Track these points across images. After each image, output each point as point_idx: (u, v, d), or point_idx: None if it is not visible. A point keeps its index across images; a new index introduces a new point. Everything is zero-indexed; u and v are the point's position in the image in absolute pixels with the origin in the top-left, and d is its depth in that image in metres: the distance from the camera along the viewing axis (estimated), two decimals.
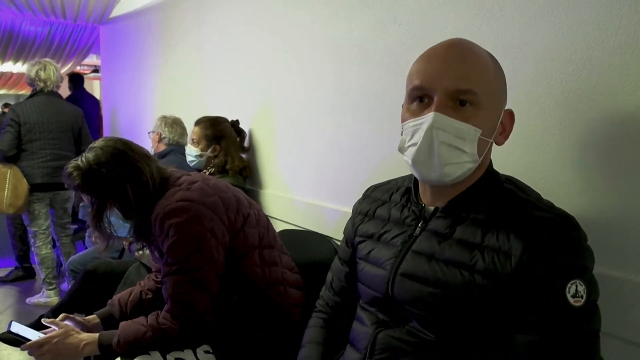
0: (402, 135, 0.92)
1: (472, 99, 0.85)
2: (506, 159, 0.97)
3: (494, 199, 0.89)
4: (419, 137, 0.86)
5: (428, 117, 0.85)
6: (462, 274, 0.85)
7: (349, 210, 1.72)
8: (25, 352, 1.39)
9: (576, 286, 0.78)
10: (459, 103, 0.86)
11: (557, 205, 0.89)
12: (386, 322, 0.96)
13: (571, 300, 0.78)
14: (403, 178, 1.08)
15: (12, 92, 9.10)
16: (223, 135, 2.34)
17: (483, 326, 0.84)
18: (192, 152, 2.34)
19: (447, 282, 0.86)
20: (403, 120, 0.92)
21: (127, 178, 1.37)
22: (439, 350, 0.87)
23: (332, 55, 1.80)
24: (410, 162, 0.89)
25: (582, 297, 0.78)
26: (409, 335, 0.90)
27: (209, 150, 2.32)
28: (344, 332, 1.08)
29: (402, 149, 0.91)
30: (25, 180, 3.16)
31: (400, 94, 1.50)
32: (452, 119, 0.84)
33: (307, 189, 1.99)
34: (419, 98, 0.89)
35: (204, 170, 2.34)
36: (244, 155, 2.40)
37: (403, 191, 1.04)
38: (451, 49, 0.89)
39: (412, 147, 0.87)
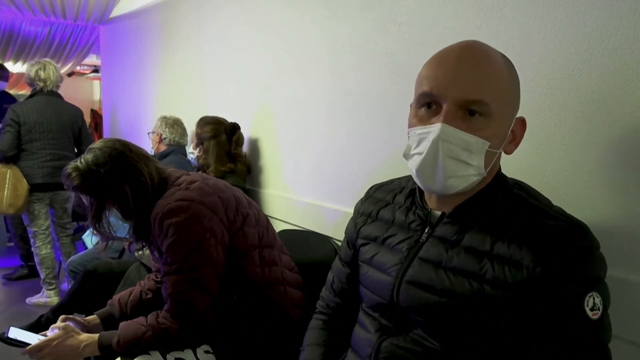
0: (408, 140, 0.89)
1: (482, 110, 0.82)
2: (506, 160, 0.97)
3: (503, 205, 0.87)
4: (424, 147, 0.83)
5: (435, 128, 0.82)
6: (470, 284, 0.83)
7: (348, 210, 1.72)
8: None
9: (593, 299, 0.77)
10: (468, 113, 0.82)
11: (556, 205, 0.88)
12: (389, 329, 0.94)
13: (590, 313, 0.77)
14: (407, 178, 1.06)
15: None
16: (209, 136, 2.31)
17: (489, 336, 0.83)
18: (190, 151, 2.36)
19: (455, 292, 0.84)
20: (410, 126, 0.89)
21: (125, 178, 1.37)
22: None
23: (332, 56, 1.80)
24: (414, 171, 0.87)
25: (599, 309, 0.77)
26: (414, 344, 0.89)
27: (197, 150, 2.34)
28: (345, 333, 1.07)
29: (407, 156, 0.89)
30: (25, 181, 3.16)
31: (400, 94, 1.49)
32: (460, 130, 0.81)
33: (307, 188, 1.99)
34: (427, 104, 0.86)
35: (201, 171, 2.34)
36: (239, 159, 2.35)
37: (407, 193, 1.01)
38: (463, 53, 0.85)
39: (418, 156, 0.85)
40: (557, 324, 0.78)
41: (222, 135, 2.34)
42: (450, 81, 0.83)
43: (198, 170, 2.35)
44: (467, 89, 0.82)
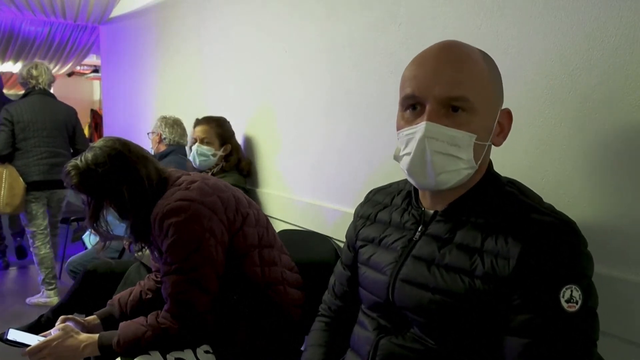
0: (397, 143, 0.91)
1: (465, 106, 0.83)
2: (506, 160, 0.97)
3: (494, 202, 0.88)
4: (412, 147, 0.85)
5: (420, 127, 0.84)
6: (462, 280, 0.83)
7: (348, 210, 1.72)
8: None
9: (571, 291, 0.77)
10: (451, 109, 0.84)
11: (557, 205, 0.88)
12: (387, 328, 0.95)
13: (565, 305, 0.77)
14: (405, 180, 1.07)
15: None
16: (232, 134, 2.40)
17: (484, 333, 0.83)
18: (204, 152, 2.32)
19: (448, 289, 0.85)
20: (398, 128, 0.91)
21: (123, 179, 1.37)
22: (441, 358, 0.86)
23: (332, 56, 1.80)
24: (405, 171, 0.89)
25: (577, 302, 0.77)
26: (411, 342, 0.89)
27: (222, 149, 2.34)
28: (347, 335, 1.07)
29: (397, 157, 0.90)
30: (21, 180, 3.16)
31: None
32: (445, 127, 0.83)
33: (307, 188, 1.99)
34: (412, 106, 0.88)
35: (206, 170, 2.34)
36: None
37: (404, 195, 1.03)
38: (442, 53, 0.87)
39: (407, 157, 0.87)
40: (531, 309, 0.78)
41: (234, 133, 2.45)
42: (430, 81, 0.85)
43: (201, 171, 2.34)
44: (448, 87, 0.83)
